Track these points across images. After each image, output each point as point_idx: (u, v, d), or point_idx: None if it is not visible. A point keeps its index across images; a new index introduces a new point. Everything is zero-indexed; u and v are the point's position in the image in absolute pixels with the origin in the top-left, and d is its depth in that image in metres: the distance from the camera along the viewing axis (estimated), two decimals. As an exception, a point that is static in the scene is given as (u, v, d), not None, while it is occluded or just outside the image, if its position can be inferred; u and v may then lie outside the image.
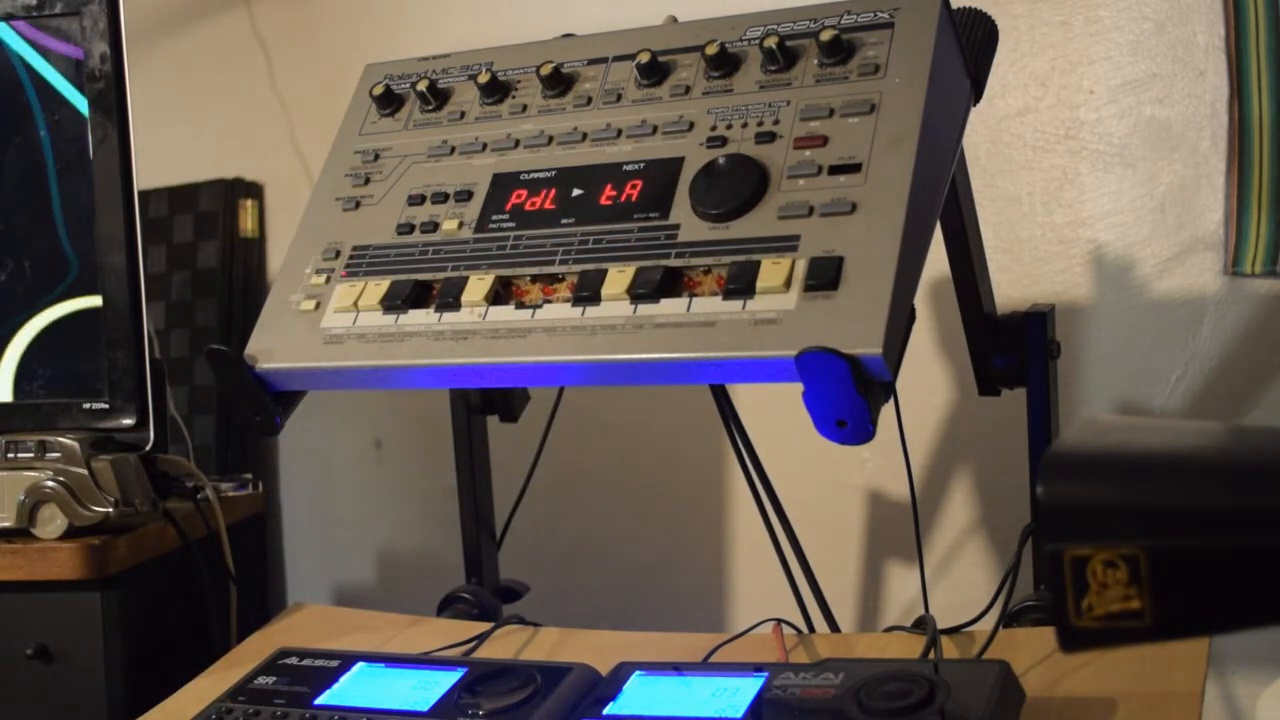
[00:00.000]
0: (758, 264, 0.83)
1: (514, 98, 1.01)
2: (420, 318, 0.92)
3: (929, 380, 1.44)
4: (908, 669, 0.85)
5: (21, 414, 1.24)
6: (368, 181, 1.02)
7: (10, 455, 1.19)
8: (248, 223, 1.74)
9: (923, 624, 0.99)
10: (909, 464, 1.12)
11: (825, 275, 0.80)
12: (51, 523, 1.16)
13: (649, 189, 0.91)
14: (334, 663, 1.01)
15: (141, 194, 1.21)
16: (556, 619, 1.17)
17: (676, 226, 0.88)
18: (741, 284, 0.82)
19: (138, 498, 1.19)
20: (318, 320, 0.95)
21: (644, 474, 1.58)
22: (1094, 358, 1.38)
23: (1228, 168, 1.31)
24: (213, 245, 1.72)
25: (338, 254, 0.99)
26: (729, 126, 0.91)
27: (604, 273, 0.87)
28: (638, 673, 0.93)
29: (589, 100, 0.98)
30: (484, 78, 1.01)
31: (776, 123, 0.89)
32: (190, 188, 1.74)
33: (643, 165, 0.92)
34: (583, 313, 0.87)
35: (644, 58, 0.95)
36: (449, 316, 0.91)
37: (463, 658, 1.06)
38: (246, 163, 1.75)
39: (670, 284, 0.85)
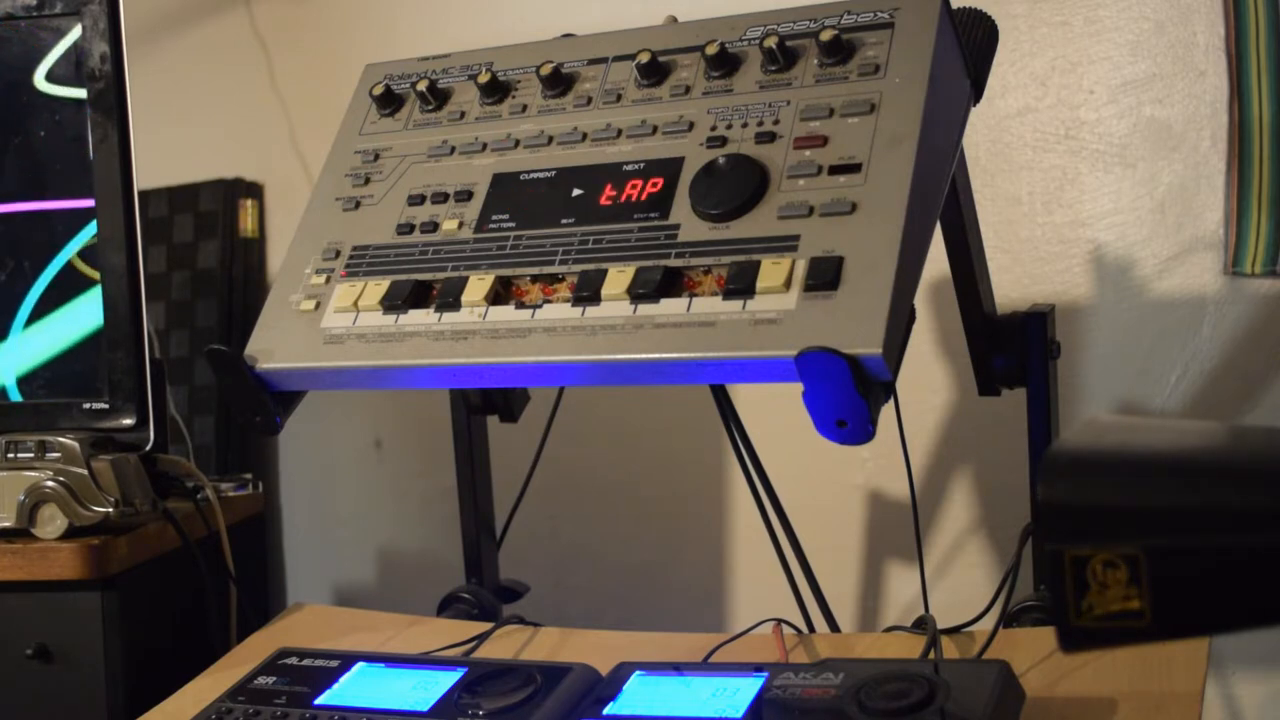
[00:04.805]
0: (758, 264, 0.83)
1: (514, 98, 1.01)
2: (420, 318, 0.92)
3: (929, 380, 1.44)
4: (908, 669, 0.85)
5: (21, 414, 1.24)
6: (368, 181, 1.02)
7: (10, 455, 1.19)
8: (248, 223, 1.74)
9: (923, 624, 0.99)
10: (909, 464, 1.12)
11: (825, 275, 0.80)
12: (51, 523, 1.16)
13: (649, 189, 0.91)
14: (334, 663, 1.01)
15: (141, 194, 1.21)
16: (556, 619, 1.17)
17: (676, 226, 0.88)
18: (741, 284, 0.82)
19: (138, 498, 1.19)
20: (318, 320, 0.95)
21: (644, 474, 1.58)
22: (1094, 358, 1.38)
23: (1228, 168, 1.31)
24: (213, 245, 1.72)
25: (338, 254, 0.99)
26: (729, 126, 0.91)
27: (604, 273, 0.87)
28: (638, 673, 0.93)
29: (589, 100, 0.98)
30: (484, 78, 1.01)
31: (776, 123, 0.89)
32: (190, 188, 1.74)
33: (643, 165, 0.92)
34: (583, 313, 0.87)
35: (644, 58, 0.95)
36: (449, 316, 0.91)
37: (463, 658, 1.06)
38: (246, 163, 1.75)
39: (670, 284, 0.85)
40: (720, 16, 0.97)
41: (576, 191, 0.93)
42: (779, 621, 1.04)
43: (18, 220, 1.26)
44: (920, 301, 1.32)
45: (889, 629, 1.05)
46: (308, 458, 1.75)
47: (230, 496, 1.39)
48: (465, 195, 0.97)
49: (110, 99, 1.19)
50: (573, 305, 0.87)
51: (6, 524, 1.17)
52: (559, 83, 0.99)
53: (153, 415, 1.19)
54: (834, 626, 1.13)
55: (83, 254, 1.23)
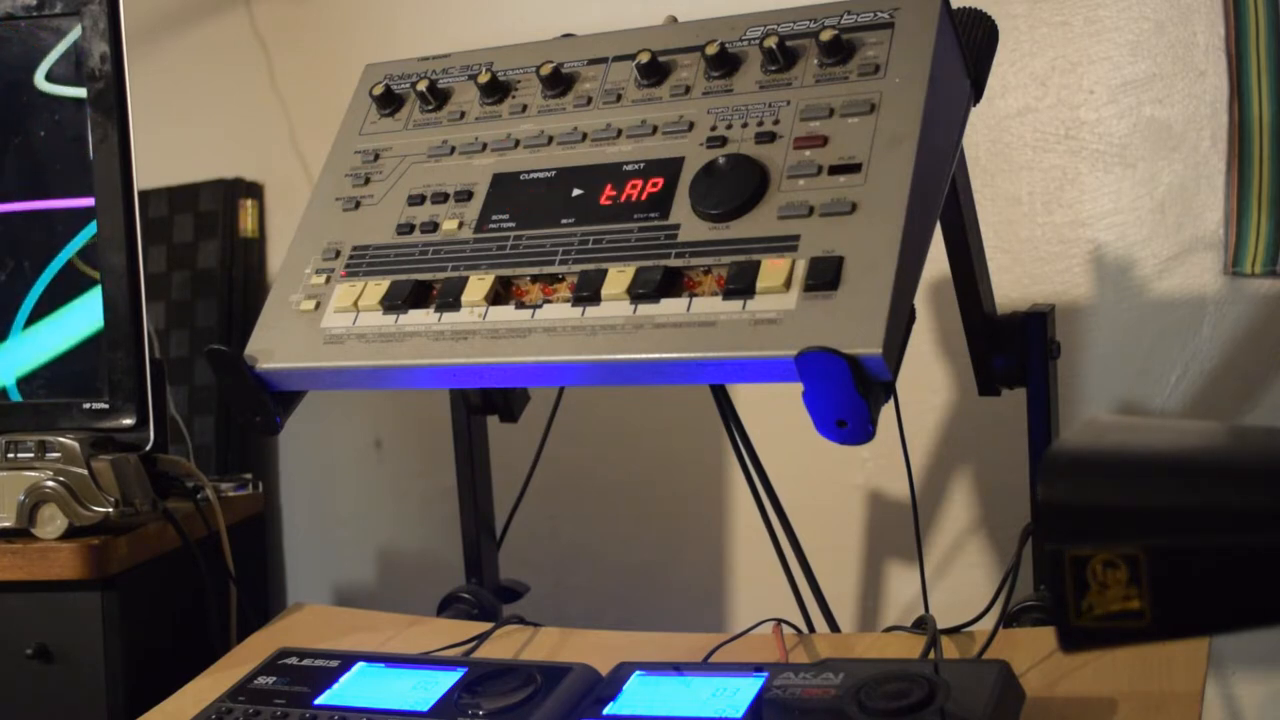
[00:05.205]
0: (758, 264, 0.83)
1: (514, 98, 1.01)
2: (420, 318, 0.92)
3: (929, 380, 1.44)
4: (908, 669, 0.85)
5: (21, 414, 1.24)
6: (368, 181, 1.02)
7: (10, 455, 1.19)
8: (248, 223, 1.74)
9: (923, 624, 0.99)
10: (909, 464, 1.12)
11: (825, 275, 0.80)
12: (51, 523, 1.16)
13: (648, 189, 0.91)
14: (334, 663, 1.01)
15: (141, 194, 1.21)
16: (556, 619, 1.17)
17: (676, 226, 0.88)
18: (741, 284, 0.82)
19: (138, 498, 1.19)
20: (318, 320, 0.95)
21: (644, 474, 1.58)
22: (1094, 358, 1.38)
23: (1228, 168, 1.31)
24: (213, 245, 1.72)
25: (338, 254, 0.99)
26: (729, 126, 0.91)
27: (604, 273, 0.87)
28: (638, 673, 0.93)
29: (589, 100, 0.98)
30: (484, 78, 1.01)
31: (776, 123, 0.89)
32: (190, 188, 1.74)
33: (643, 165, 0.92)
34: (583, 313, 0.87)
35: (644, 58, 0.95)
36: (449, 316, 0.91)
37: (463, 658, 1.06)
38: (246, 163, 1.75)
39: (670, 284, 0.85)
40: (720, 16, 0.97)
41: (576, 191, 0.93)
42: (779, 621, 1.04)
43: (18, 220, 1.26)
44: (920, 301, 1.32)
45: (889, 629, 1.05)
46: (308, 458, 1.75)
47: (230, 496, 1.39)
48: (465, 195, 0.97)
49: (110, 99, 1.19)
50: (573, 305, 0.87)
51: (6, 524, 1.17)
52: (559, 83, 0.99)
53: (153, 415, 1.19)
54: (834, 626, 1.13)
55: (83, 254, 1.23)
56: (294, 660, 1.03)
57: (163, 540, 1.24)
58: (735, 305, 0.82)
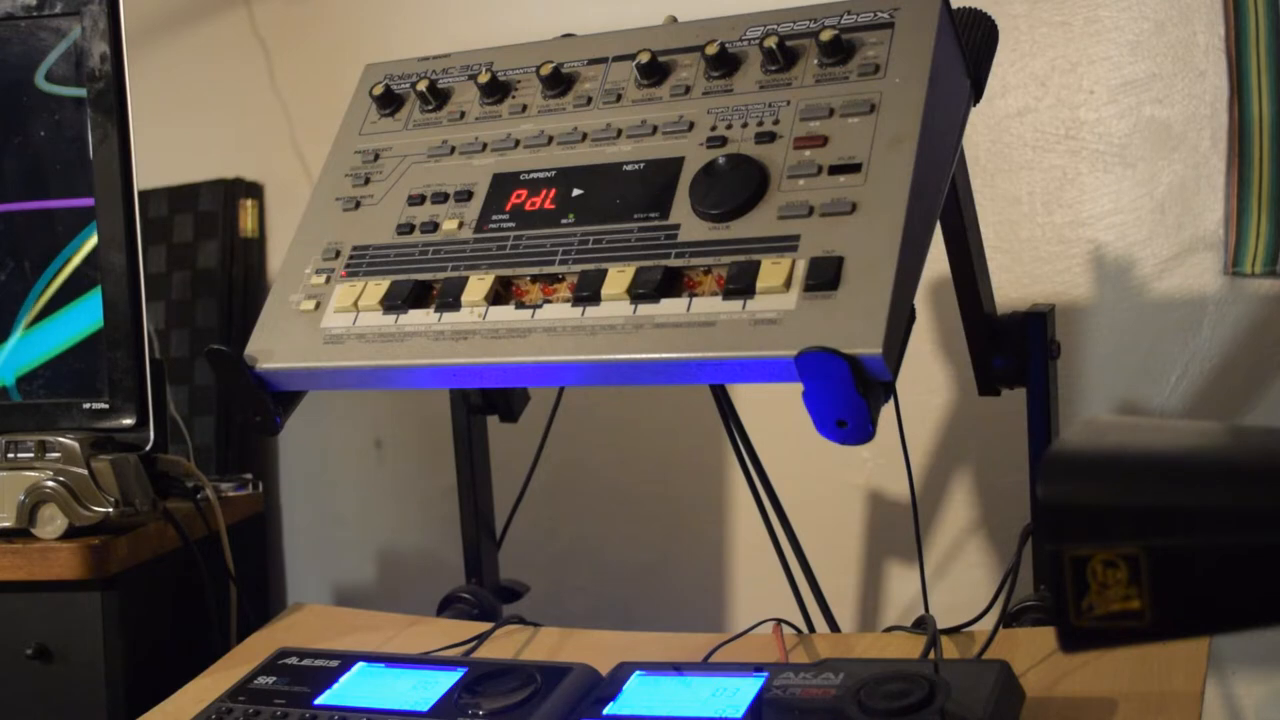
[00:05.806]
0: (758, 264, 0.83)
1: (514, 98, 1.01)
2: (420, 318, 0.92)
3: (929, 380, 1.44)
4: (908, 669, 0.85)
5: (21, 414, 1.24)
6: (368, 181, 1.02)
7: (10, 455, 1.19)
8: (248, 223, 1.74)
9: (923, 624, 0.99)
10: (909, 464, 1.12)
11: (825, 275, 0.80)
12: (51, 523, 1.16)
13: (649, 189, 0.91)
14: (334, 663, 1.01)
15: (141, 194, 1.21)
16: (556, 619, 1.17)
17: (676, 226, 0.88)
18: (741, 284, 0.82)
19: (138, 498, 1.19)
20: (318, 320, 0.95)
21: (644, 474, 1.58)
22: (1094, 358, 1.38)
23: (1228, 168, 1.31)
24: (213, 245, 1.72)
25: (338, 254, 0.99)
26: (729, 126, 0.91)
27: (604, 273, 0.87)
28: (638, 673, 0.93)
29: (589, 100, 0.98)
30: (484, 78, 1.01)
31: (776, 123, 0.89)
32: (190, 188, 1.75)
33: (643, 165, 0.92)
34: (583, 313, 0.87)
35: (644, 58, 0.95)
36: (449, 316, 0.91)
37: (463, 658, 1.06)
38: (246, 163, 1.75)
39: (670, 284, 0.85)
40: (720, 16, 0.97)
41: (577, 191, 0.93)
42: (779, 621, 1.04)
43: (18, 220, 1.26)
44: (920, 301, 1.32)
45: (889, 629, 1.05)
46: (308, 458, 1.75)
47: (230, 496, 1.39)
48: (465, 195, 0.97)
49: (110, 99, 1.19)
50: (573, 305, 0.87)
51: (6, 524, 1.17)
52: (559, 83, 0.99)
53: (153, 415, 1.19)
54: (834, 626, 1.13)
55: (83, 254, 1.23)
56: (294, 660, 1.03)
57: (163, 540, 1.24)
58: (735, 305, 0.82)
